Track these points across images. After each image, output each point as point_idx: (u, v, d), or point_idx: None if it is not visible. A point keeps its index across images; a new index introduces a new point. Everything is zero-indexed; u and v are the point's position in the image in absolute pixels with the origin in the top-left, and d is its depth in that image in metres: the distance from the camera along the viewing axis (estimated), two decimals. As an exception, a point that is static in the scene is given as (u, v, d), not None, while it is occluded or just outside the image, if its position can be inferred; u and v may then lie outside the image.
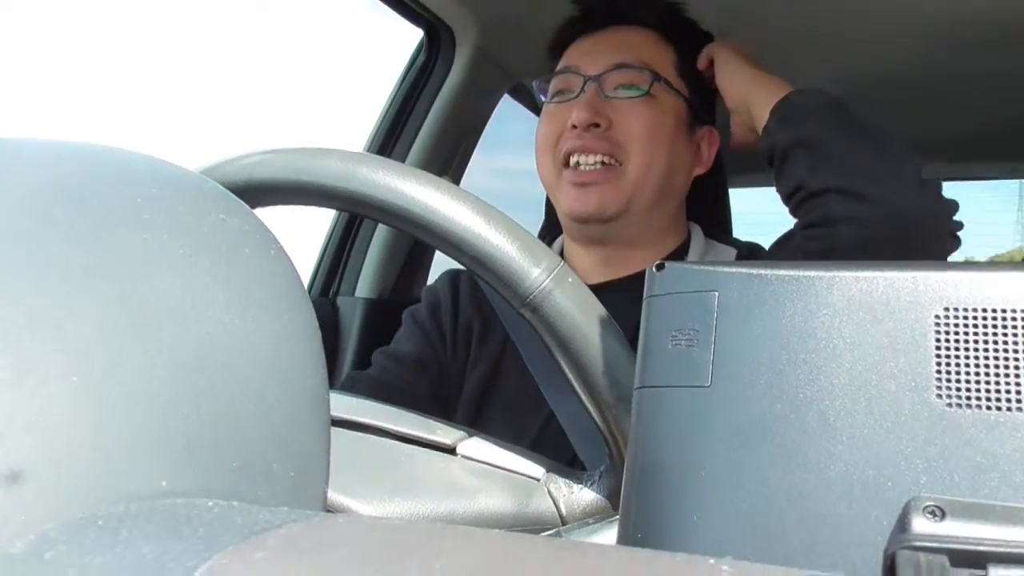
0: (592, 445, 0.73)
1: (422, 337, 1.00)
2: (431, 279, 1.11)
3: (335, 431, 0.47)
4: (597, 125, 0.94)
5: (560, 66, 1.02)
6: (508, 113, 1.65)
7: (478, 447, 0.47)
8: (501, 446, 0.48)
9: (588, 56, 0.99)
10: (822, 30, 1.34)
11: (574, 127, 0.94)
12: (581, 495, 0.44)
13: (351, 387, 0.96)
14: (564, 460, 0.60)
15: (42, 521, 0.18)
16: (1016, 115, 1.61)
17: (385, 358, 0.99)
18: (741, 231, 1.33)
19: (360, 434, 0.48)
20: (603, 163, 0.93)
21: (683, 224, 1.04)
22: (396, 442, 0.47)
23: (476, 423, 0.95)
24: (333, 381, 1.39)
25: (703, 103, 1.03)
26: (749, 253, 1.01)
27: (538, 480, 0.46)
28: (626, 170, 0.94)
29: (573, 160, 0.94)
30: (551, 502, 0.45)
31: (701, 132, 1.03)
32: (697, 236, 1.03)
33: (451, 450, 0.47)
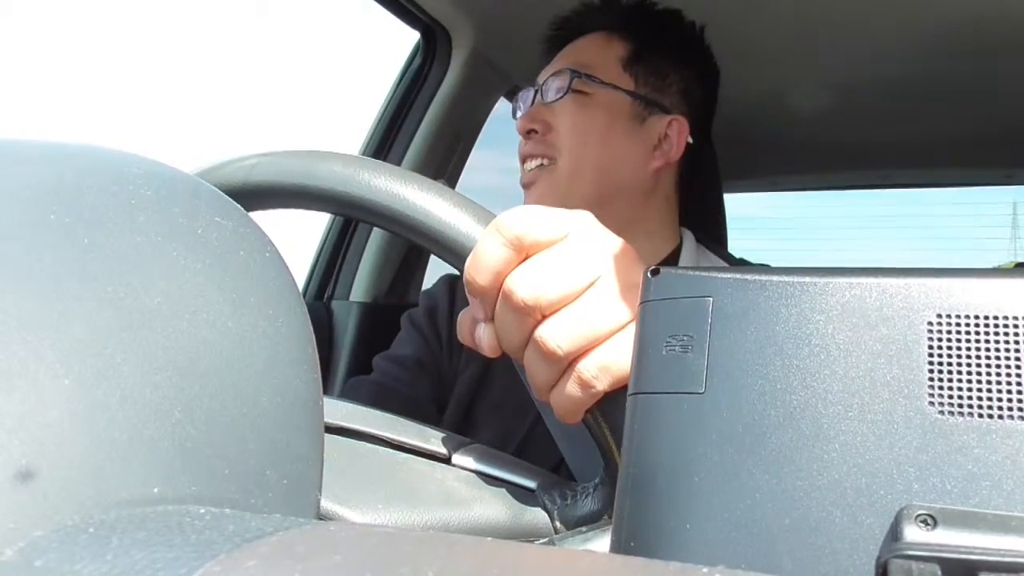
0: (580, 452, 0.73)
1: (420, 340, 1.01)
2: (426, 283, 1.12)
3: (329, 439, 0.46)
4: (535, 131, 1.00)
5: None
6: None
7: (473, 456, 0.47)
8: (496, 456, 0.48)
9: (545, 71, 1.05)
10: (816, 37, 1.34)
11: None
12: (576, 507, 0.44)
13: (353, 391, 0.97)
14: (551, 465, 0.59)
15: (32, 527, 0.18)
16: (1010, 121, 1.62)
17: (386, 362, 1.00)
18: (737, 235, 1.33)
19: (354, 441, 0.47)
20: (540, 165, 0.99)
21: (671, 229, 1.04)
22: (390, 450, 0.47)
23: (464, 425, 0.96)
24: (327, 386, 1.39)
25: (661, 92, 1.02)
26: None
27: (532, 491, 0.46)
28: (557, 167, 0.98)
29: (521, 168, 1.01)
30: (545, 513, 0.44)
31: (662, 122, 1.01)
32: (689, 243, 1.03)
33: (446, 459, 0.47)
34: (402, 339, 1.04)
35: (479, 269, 0.42)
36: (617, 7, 1.06)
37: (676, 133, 1.02)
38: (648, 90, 1.01)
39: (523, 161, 1.01)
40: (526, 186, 1.00)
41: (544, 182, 0.99)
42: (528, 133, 1.01)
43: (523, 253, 0.42)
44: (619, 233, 0.45)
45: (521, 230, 0.41)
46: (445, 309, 1.02)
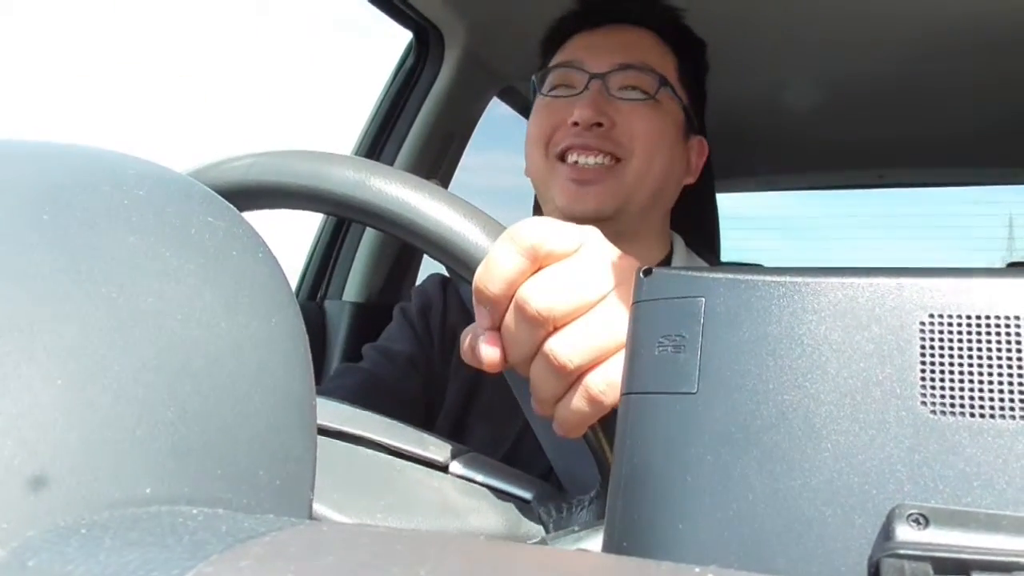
0: (570, 463, 0.72)
1: (413, 337, 1.00)
2: (419, 283, 1.11)
3: (328, 442, 0.46)
4: (600, 125, 0.92)
5: (561, 60, 1.00)
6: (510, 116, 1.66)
7: (470, 465, 0.47)
8: (492, 466, 0.48)
9: (592, 52, 0.97)
10: (812, 35, 1.34)
11: (575, 124, 0.92)
12: (571, 519, 0.44)
13: (342, 377, 0.96)
14: (542, 469, 0.59)
15: (25, 528, 0.18)
16: (1005, 119, 1.62)
17: (377, 354, 0.98)
18: (729, 235, 1.34)
19: (353, 446, 0.47)
20: (603, 163, 0.93)
21: (667, 235, 1.04)
22: (388, 456, 0.47)
23: (457, 429, 0.95)
24: (320, 386, 1.39)
25: (697, 112, 1.04)
26: None
27: (528, 502, 0.46)
28: (626, 169, 0.93)
29: (572, 158, 0.93)
30: (541, 525, 0.45)
31: (694, 141, 1.03)
32: (679, 248, 1.03)
33: (443, 467, 0.47)
34: (393, 333, 1.02)
35: (492, 278, 0.42)
36: (660, 5, 1.02)
37: (697, 155, 1.04)
38: (693, 108, 1.02)
39: (576, 152, 0.93)
40: (583, 182, 0.92)
41: (609, 181, 0.92)
42: (592, 126, 0.92)
43: (536, 264, 0.42)
44: (628, 234, 0.46)
45: (536, 240, 0.41)
46: (439, 309, 1.01)
